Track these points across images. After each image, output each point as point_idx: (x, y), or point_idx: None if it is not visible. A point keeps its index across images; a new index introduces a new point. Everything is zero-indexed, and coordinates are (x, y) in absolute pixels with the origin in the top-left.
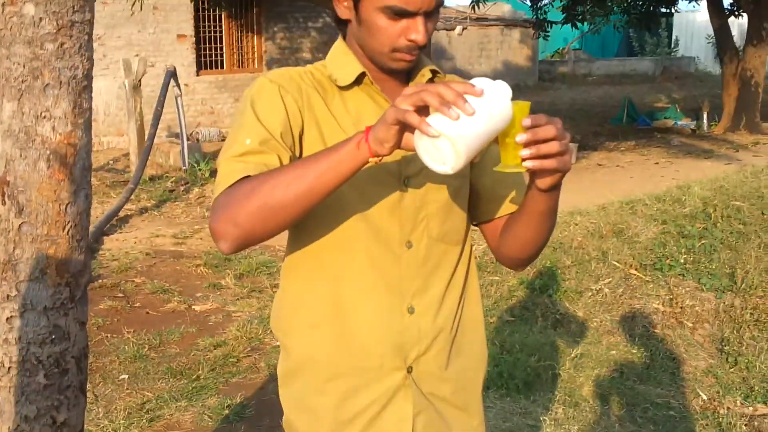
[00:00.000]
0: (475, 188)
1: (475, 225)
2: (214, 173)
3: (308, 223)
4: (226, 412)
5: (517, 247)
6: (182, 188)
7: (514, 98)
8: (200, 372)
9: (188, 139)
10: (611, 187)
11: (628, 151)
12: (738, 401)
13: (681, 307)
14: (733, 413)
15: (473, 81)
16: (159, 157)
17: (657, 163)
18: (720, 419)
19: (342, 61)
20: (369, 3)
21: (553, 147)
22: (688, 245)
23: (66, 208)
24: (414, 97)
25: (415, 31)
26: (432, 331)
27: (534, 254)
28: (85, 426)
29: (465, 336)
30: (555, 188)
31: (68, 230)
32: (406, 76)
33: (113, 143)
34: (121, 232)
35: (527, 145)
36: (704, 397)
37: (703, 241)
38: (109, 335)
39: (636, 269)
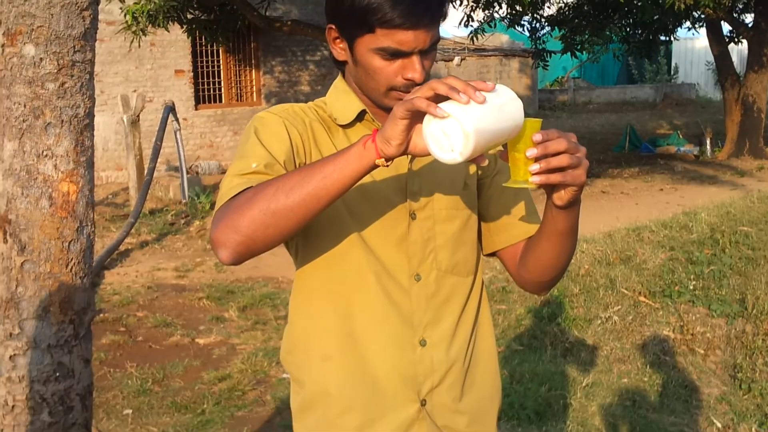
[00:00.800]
0: (483, 219)
1: (491, 255)
2: (214, 206)
3: (316, 258)
4: None
5: (539, 270)
6: (183, 221)
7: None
8: (205, 406)
9: (188, 173)
10: (617, 214)
11: (631, 178)
12: (753, 428)
13: (692, 334)
14: None
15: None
16: (158, 191)
17: (662, 190)
18: None
19: (342, 99)
20: (363, 45)
21: (563, 160)
22: (697, 271)
23: (69, 246)
24: (423, 88)
25: (412, 69)
26: (445, 363)
27: (557, 276)
28: None
29: (478, 368)
30: (573, 204)
31: (71, 267)
32: None
33: (112, 178)
34: (122, 266)
35: (538, 159)
36: (719, 425)
37: (711, 267)
38: (112, 370)
39: (645, 296)
